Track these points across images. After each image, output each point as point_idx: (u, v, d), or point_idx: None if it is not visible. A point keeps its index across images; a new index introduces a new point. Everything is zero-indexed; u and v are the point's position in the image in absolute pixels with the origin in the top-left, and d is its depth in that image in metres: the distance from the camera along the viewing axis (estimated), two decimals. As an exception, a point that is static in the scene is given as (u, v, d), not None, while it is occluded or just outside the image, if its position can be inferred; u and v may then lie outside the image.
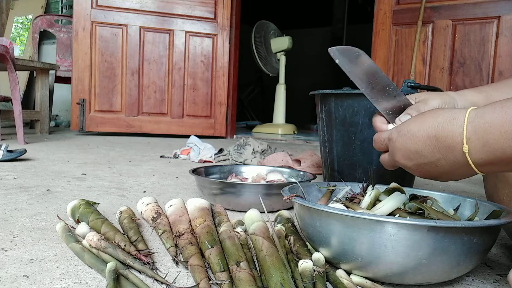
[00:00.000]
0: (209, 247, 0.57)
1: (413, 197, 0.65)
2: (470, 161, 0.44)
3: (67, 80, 3.32)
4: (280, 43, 3.97)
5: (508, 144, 0.40)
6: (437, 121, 0.47)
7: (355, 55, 0.59)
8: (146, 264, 0.55)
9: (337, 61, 0.59)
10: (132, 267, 0.54)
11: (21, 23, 4.05)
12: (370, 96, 0.62)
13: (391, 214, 0.58)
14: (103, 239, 0.58)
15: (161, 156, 1.90)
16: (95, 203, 0.78)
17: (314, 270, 0.53)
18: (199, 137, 2.10)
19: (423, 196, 0.67)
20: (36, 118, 2.86)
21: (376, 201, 0.63)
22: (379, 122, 0.62)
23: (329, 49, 0.59)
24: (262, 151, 1.81)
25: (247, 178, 1.09)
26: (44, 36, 4.02)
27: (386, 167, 0.59)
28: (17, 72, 2.28)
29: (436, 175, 0.51)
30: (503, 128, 0.40)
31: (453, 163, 0.46)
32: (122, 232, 0.66)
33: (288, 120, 4.03)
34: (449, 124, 0.46)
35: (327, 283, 0.53)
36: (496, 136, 0.41)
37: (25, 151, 1.58)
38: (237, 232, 0.64)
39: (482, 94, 0.66)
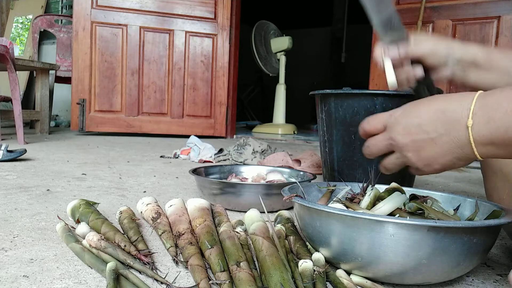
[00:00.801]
0: (209, 247, 0.57)
1: (413, 197, 0.65)
2: (471, 137, 0.43)
3: (67, 80, 3.32)
4: (280, 43, 3.97)
5: None
6: (448, 98, 0.47)
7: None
8: (146, 264, 0.55)
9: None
10: (132, 267, 0.54)
11: (21, 23, 4.05)
12: (377, 23, 0.64)
13: (391, 214, 0.58)
14: (103, 239, 0.58)
15: (161, 156, 1.90)
16: (95, 203, 0.78)
17: (314, 270, 0.53)
18: (199, 137, 2.10)
19: (423, 196, 0.67)
20: (36, 118, 2.86)
21: (376, 201, 0.63)
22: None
23: None
24: (262, 151, 1.81)
25: (247, 178, 1.09)
26: (44, 36, 4.02)
27: (373, 151, 0.54)
28: (17, 72, 2.28)
29: (430, 156, 0.48)
30: (510, 106, 0.40)
31: (453, 141, 0.45)
32: (122, 232, 0.66)
33: (288, 120, 4.03)
34: (459, 100, 0.45)
35: (327, 283, 0.53)
36: (501, 114, 0.41)
37: (25, 151, 1.58)
38: (237, 232, 0.64)
39: (484, 50, 0.65)
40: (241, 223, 0.71)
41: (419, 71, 0.65)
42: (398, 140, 0.50)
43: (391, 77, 0.66)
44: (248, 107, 5.84)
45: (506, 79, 0.65)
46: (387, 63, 0.66)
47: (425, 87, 0.67)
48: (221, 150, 1.88)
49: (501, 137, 0.41)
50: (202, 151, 1.84)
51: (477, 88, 0.64)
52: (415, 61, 0.65)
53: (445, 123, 0.45)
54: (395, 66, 0.66)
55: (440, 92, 0.75)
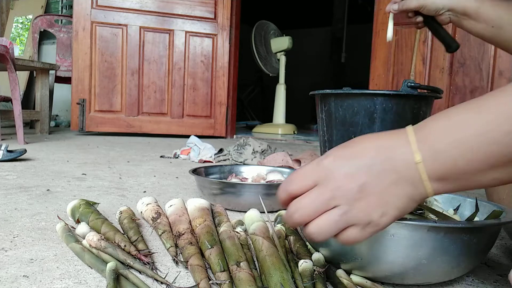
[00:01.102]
0: (209, 247, 0.57)
1: (413, 197, 0.65)
2: (422, 174, 0.37)
3: (67, 80, 3.32)
4: (280, 43, 3.97)
5: (459, 154, 0.35)
6: (380, 135, 0.41)
7: None
8: (146, 264, 0.55)
9: None
10: (132, 267, 0.54)
11: (21, 23, 4.05)
12: None
13: (391, 214, 0.58)
14: (103, 239, 0.58)
15: (161, 156, 1.90)
16: (95, 203, 0.78)
17: (314, 270, 0.53)
18: (199, 137, 2.10)
19: (423, 196, 0.67)
20: (36, 118, 2.86)
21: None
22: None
23: None
24: (262, 151, 1.81)
25: (247, 178, 1.09)
26: (44, 36, 4.02)
27: (306, 213, 0.40)
28: (17, 72, 2.28)
29: (385, 202, 0.38)
30: (450, 137, 0.35)
31: (405, 180, 0.38)
32: (122, 232, 0.66)
33: (288, 120, 4.03)
34: (394, 136, 0.39)
35: (327, 283, 0.53)
36: (444, 146, 0.36)
37: (25, 151, 1.58)
38: (237, 232, 0.64)
39: (475, 1, 0.77)
40: (241, 223, 0.71)
41: (419, 18, 0.86)
42: (344, 188, 0.38)
43: (389, 33, 0.93)
44: (248, 107, 5.83)
45: (490, 30, 0.77)
46: (390, 20, 0.91)
47: (433, 26, 0.86)
48: (221, 150, 1.88)
49: (449, 170, 0.36)
50: (202, 151, 1.84)
51: (472, 33, 0.80)
52: (418, 12, 0.85)
53: (393, 161, 0.38)
54: (402, 17, 0.87)
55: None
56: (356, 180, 0.38)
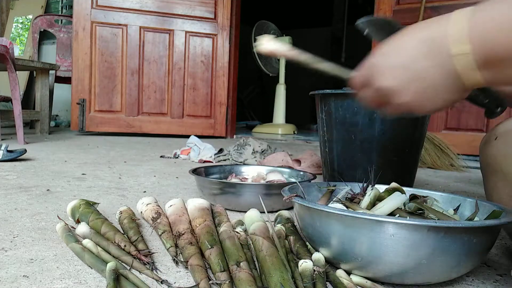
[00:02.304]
0: (209, 247, 0.57)
1: (413, 197, 0.65)
2: (468, 63, 0.37)
3: (67, 80, 3.32)
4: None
5: (503, 36, 0.35)
6: (428, 24, 0.42)
7: (382, 23, 0.62)
8: (146, 264, 0.55)
9: (365, 32, 0.63)
10: (132, 267, 0.54)
11: (21, 23, 4.05)
12: None
13: (391, 214, 0.58)
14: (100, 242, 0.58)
15: (161, 156, 1.90)
16: (95, 203, 0.78)
17: (314, 270, 0.53)
18: (199, 137, 2.10)
19: (423, 196, 0.67)
20: (36, 118, 2.86)
21: (376, 201, 0.63)
22: None
23: (356, 23, 0.64)
24: (262, 151, 1.81)
25: (247, 178, 1.09)
26: (44, 36, 4.02)
27: (366, 103, 0.49)
28: (17, 72, 2.28)
29: (422, 94, 0.41)
30: (504, 23, 0.35)
31: (445, 69, 0.39)
32: (122, 232, 0.66)
33: (288, 120, 4.03)
34: (442, 24, 0.40)
35: (327, 283, 0.53)
36: (496, 32, 0.36)
37: (25, 151, 1.58)
38: (237, 232, 0.64)
39: None
40: (241, 223, 0.71)
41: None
42: (385, 86, 0.43)
43: None
44: (248, 107, 5.83)
45: None
46: None
47: (482, 94, 0.66)
48: (221, 150, 1.88)
49: (501, 56, 0.36)
50: (202, 151, 1.84)
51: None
52: None
53: (434, 53, 0.39)
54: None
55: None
56: (396, 79, 0.42)
